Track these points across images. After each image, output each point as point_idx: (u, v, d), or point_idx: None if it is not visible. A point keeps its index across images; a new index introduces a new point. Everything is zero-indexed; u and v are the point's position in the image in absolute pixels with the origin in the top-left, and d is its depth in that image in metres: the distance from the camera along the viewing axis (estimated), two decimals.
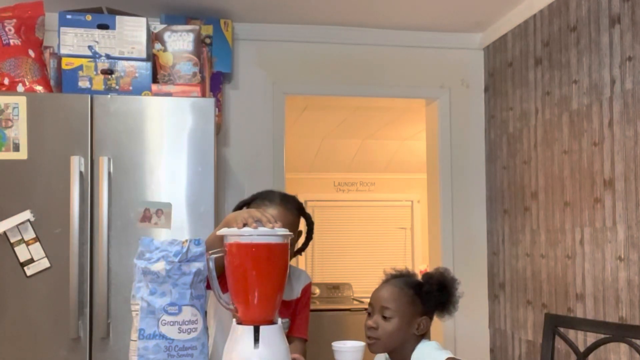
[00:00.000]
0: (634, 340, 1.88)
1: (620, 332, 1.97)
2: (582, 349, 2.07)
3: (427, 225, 4.02)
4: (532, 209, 3.23)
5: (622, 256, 2.57)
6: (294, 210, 2.11)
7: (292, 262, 1.94)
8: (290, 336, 2.12)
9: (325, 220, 6.29)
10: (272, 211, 1.96)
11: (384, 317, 1.82)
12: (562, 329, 2.13)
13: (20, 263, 2.47)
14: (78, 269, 2.46)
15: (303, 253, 2.25)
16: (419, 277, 1.94)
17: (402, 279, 1.91)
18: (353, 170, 6.42)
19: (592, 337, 2.47)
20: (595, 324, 2.27)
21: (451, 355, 1.78)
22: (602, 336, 1.99)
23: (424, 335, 1.87)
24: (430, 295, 1.85)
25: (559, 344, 2.41)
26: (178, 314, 1.52)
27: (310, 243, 2.22)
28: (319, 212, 6.27)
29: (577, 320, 2.50)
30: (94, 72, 2.65)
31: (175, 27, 2.83)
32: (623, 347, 2.50)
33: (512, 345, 3.43)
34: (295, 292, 2.19)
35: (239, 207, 2.12)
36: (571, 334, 2.38)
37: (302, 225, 2.20)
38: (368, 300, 1.91)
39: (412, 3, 3.29)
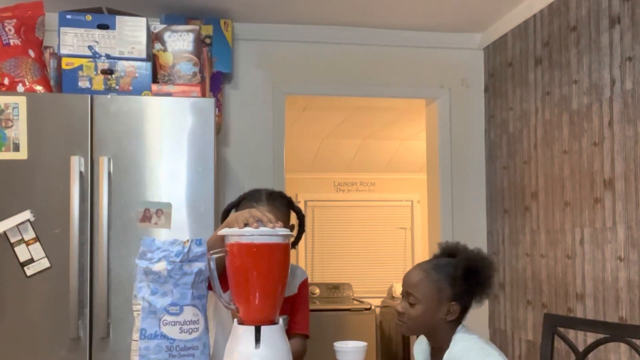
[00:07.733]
0: (633, 340, 1.88)
1: (620, 332, 1.97)
2: (581, 349, 2.07)
3: (427, 225, 4.02)
4: (532, 209, 3.23)
5: (622, 256, 2.57)
6: (282, 207, 2.10)
7: None
8: (290, 333, 2.12)
9: (325, 220, 6.29)
10: None
11: (410, 303, 1.76)
12: (561, 329, 2.13)
13: (20, 263, 2.47)
14: (78, 269, 2.46)
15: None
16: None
17: (433, 261, 1.81)
18: (353, 170, 6.41)
19: (591, 337, 2.47)
20: (595, 324, 2.27)
21: None
22: (602, 336, 1.99)
23: (460, 319, 1.78)
24: (456, 281, 1.75)
25: (559, 344, 2.41)
26: (179, 314, 1.52)
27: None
28: (319, 212, 6.27)
29: (576, 320, 2.50)
30: (94, 72, 2.65)
31: (175, 27, 2.83)
32: (623, 347, 2.50)
33: (512, 345, 3.43)
34: (292, 289, 2.18)
35: (227, 211, 2.12)
36: (571, 334, 2.38)
37: (294, 219, 2.19)
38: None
39: (412, 3, 3.29)
